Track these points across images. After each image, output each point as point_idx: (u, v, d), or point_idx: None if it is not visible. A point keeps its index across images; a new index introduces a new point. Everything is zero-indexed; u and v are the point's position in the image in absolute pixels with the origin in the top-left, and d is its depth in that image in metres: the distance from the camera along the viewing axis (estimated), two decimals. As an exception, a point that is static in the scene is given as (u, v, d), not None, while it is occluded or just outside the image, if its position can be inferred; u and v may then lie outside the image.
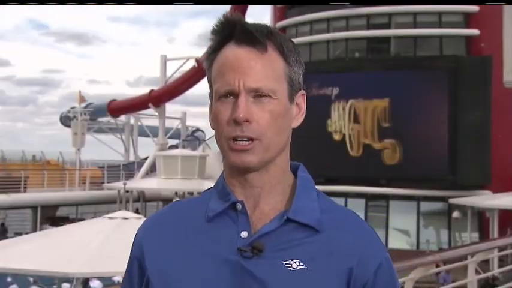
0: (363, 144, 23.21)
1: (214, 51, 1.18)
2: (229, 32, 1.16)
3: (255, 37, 1.14)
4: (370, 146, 23.06)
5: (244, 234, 1.14)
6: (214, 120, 1.17)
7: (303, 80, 1.22)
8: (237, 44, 1.15)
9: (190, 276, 1.13)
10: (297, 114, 1.21)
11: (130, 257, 1.24)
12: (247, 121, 1.12)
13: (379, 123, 22.88)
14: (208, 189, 1.25)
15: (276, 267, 1.10)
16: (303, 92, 1.21)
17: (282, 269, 1.10)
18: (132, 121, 36.76)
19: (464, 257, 6.05)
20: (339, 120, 23.84)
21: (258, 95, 1.13)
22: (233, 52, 1.15)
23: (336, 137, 23.92)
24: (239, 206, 1.16)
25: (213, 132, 1.22)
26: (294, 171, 1.23)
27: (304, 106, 1.21)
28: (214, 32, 1.18)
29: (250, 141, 1.13)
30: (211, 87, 1.20)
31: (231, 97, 1.13)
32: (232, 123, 1.12)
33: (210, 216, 1.18)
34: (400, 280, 4.49)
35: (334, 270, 1.11)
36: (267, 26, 1.18)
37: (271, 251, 1.12)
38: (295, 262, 1.11)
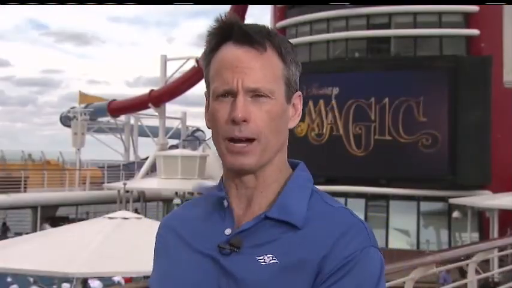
0: (376, 140, 22.98)
1: (211, 50, 1.19)
2: (228, 33, 1.16)
3: (253, 37, 1.14)
4: (391, 141, 22.65)
5: (227, 231, 1.16)
6: (211, 119, 1.18)
7: (303, 81, 1.23)
8: (235, 43, 1.15)
9: (179, 272, 1.18)
10: (293, 115, 1.22)
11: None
12: (245, 121, 1.12)
13: (411, 118, 22.52)
14: None
15: (249, 262, 1.12)
16: (299, 93, 1.22)
17: (255, 264, 1.11)
18: (132, 121, 36.75)
19: (464, 257, 6.06)
20: (327, 120, 23.75)
21: (256, 95, 1.13)
22: (232, 52, 1.15)
23: (323, 138, 23.87)
24: (226, 203, 1.19)
25: (213, 132, 1.22)
26: (295, 169, 1.23)
27: (300, 107, 1.23)
28: (212, 32, 1.18)
29: (247, 144, 1.13)
30: (208, 86, 1.20)
31: (229, 96, 1.14)
32: (230, 122, 1.13)
33: (203, 214, 1.22)
34: (400, 280, 4.49)
35: (306, 263, 1.10)
36: (265, 26, 1.18)
37: (248, 247, 1.13)
38: (268, 257, 1.11)
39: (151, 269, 1.29)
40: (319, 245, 1.11)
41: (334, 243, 1.10)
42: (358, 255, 1.10)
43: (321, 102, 23.71)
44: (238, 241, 1.13)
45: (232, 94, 1.13)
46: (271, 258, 1.11)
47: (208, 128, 1.20)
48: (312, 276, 1.09)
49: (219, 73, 1.16)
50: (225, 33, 1.16)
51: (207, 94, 1.21)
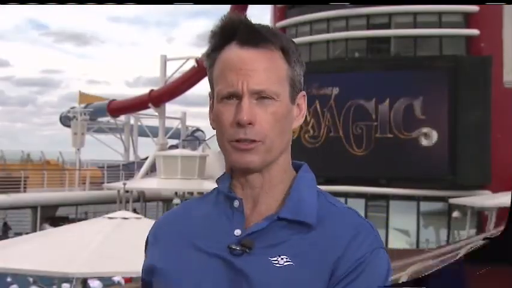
0: (377, 139, 22.95)
1: (216, 50, 1.18)
2: (233, 32, 1.15)
3: (258, 38, 1.14)
4: (392, 138, 22.64)
5: (237, 232, 1.15)
6: (216, 121, 1.17)
7: (303, 81, 1.23)
8: (239, 44, 1.15)
9: (183, 272, 1.16)
10: (298, 115, 1.22)
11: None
12: (250, 123, 1.12)
13: (412, 116, 22.51)
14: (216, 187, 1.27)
15: (263, 264, 1.11)
16: (303, 93, 1.22)
17: (269, 265, 1.11)
18: (132, 121, 36.74)
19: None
20: (324, 122, 23.74)
21: (261, 97, 1.13)
22: (236, 53, 1.14)
23: (319, 140, 23.85)
24: (236, 203, 1.18)
25: (213, 132, 1.22)
26: (298, 170, 1.23)
27: (304, 107, 1.23)
28: (217, 31, 1.18)
29: (252, 142, 1.13)
30: (212, 87, 1.20)
31: (234, 99, 1.14)
32: (235, 125, 1.13)
33: (208, 213, 1.21)
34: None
35: (320, 264, 1.11)
36: (269, 27, 1.18)
37: (260, 248, 1.13)
38: (282, 258, 1.11)
39: (142, 268, 1.28)
40: (332, 246, 1.12)
41: (347, 245, 1.12)
42: (368, 256, 1.12)
43: (317, 103, 23.69)
44: (249, 242, 1.13)
45: (237, 96, 1.13)
46: (285, 259, 1.11)
47: (213, 129, 1.20)
48: (326, 278, 1.10)
49: (223, 75, 1.15)
50: (230, 33, 1.16)
51: (212, 95, 1.21)
